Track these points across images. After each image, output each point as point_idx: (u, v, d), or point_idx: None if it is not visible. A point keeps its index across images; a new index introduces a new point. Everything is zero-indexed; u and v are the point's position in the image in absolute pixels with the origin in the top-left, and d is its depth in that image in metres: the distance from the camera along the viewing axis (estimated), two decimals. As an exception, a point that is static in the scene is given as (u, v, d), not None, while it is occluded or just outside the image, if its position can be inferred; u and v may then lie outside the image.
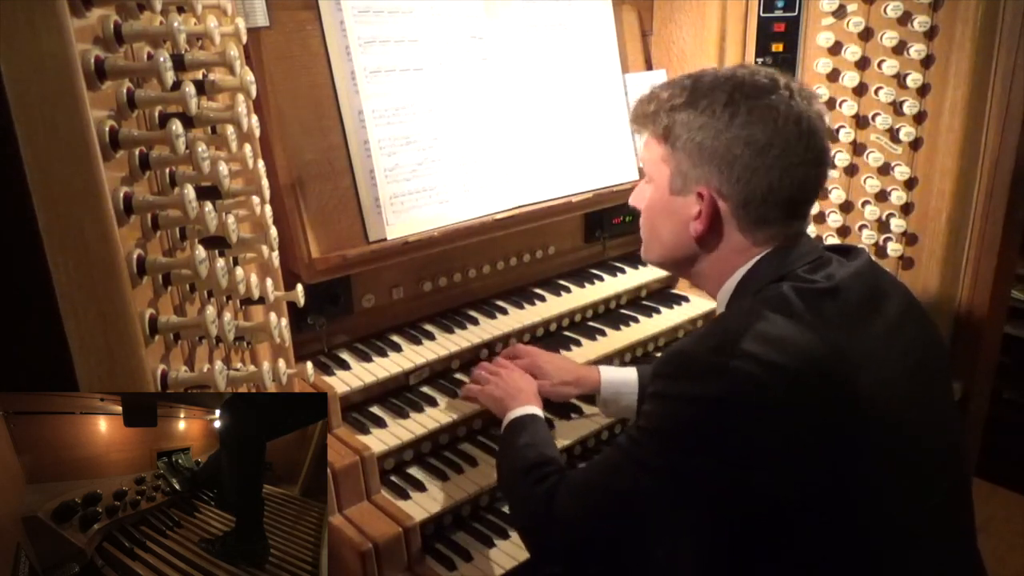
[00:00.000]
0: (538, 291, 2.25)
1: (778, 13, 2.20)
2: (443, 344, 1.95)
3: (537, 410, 1.70)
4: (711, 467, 1.18)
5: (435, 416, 1.82)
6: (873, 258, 1.39)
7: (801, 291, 1.23)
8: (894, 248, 2.21)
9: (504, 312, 2.12)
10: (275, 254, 1.38)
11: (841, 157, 2.24)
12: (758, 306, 1.24)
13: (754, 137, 1.25)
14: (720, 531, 1.27)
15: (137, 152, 0.99)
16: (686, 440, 1.20)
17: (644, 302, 2.38)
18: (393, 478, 1.76)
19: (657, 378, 1.27)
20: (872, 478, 1.18)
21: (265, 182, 1.34)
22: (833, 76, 2.20)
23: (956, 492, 1.32)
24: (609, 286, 2.32)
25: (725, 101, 1.27)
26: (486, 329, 2.03)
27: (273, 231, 1.36)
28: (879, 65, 2.13)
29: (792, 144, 1.25)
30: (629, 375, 1.85)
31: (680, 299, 2.40)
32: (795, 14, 2.19)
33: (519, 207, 2.06)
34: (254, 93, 1.22)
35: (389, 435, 1.74)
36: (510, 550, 1.68)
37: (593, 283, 2.32)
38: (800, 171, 1.27)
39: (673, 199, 1.36)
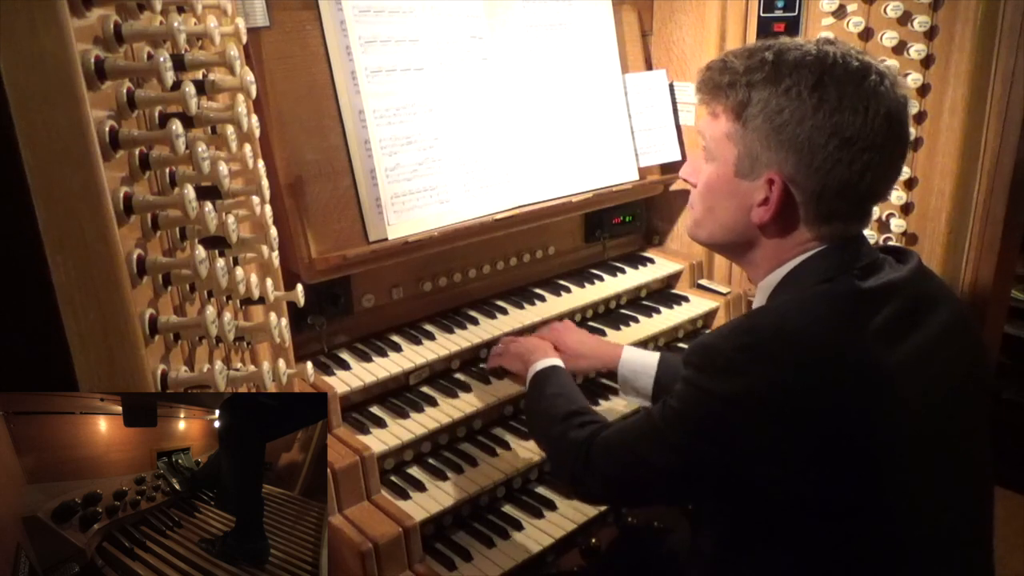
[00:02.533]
0: (538, 291, 2.25)
1: (778, 13, 2.20)
2: (443, 344, 1.95)
3: (558, 362, 1.78)
4: (722, 458, 1.19)
5: (435, 416, 1.82)
6: (923, 263, 1.34)
7: (844, 295, 1.20)
8: (894, 248, 2.21)
9: (504, 312, 2.12)
10: (275, 254, 1.38)
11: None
12: (797, 307, 1.22)
13: (841, 127, 1.17)
14: (733, 511, 1.28)
15: (137, 152, 0.99)
16: (702, 430, 1.21)
17: (644, 302, 2.38)
18: (393, 478, 1.76)
19: (686, 364, 1.26)
20: (893, 485, 1.17)
21: (265, 182, 1.34)
22: (833, 76, 2.20)
23: (979, 503, 1.31)
24: (609, 286, 2.32)
25: (813, 83, 1.18)
26: (486, 329, 2.03)
27: (273, 231, 1.36)
28: (879, 65, 2.13)
29: (879, 139, 1.18)
30: (650, 359, 1.86)
31: (680, 299, 2.40)
32: (795, 14, 2.19)
33: (519, 207, 2.06)
34: (254, 93, 1.22)
35: (389, 435, 1.74)
36: (510, 550, 1.68)
37: (593, 283, 2.32)
38: (881, 168, 1.21)
39: (738, 182, 1.27)
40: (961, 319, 1.32)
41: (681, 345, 2.30)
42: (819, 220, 1.25)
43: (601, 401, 2.04)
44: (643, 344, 2.21)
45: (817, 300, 1.21)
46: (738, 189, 1.27)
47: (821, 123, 1.18)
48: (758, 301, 1.36)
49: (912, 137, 2.13)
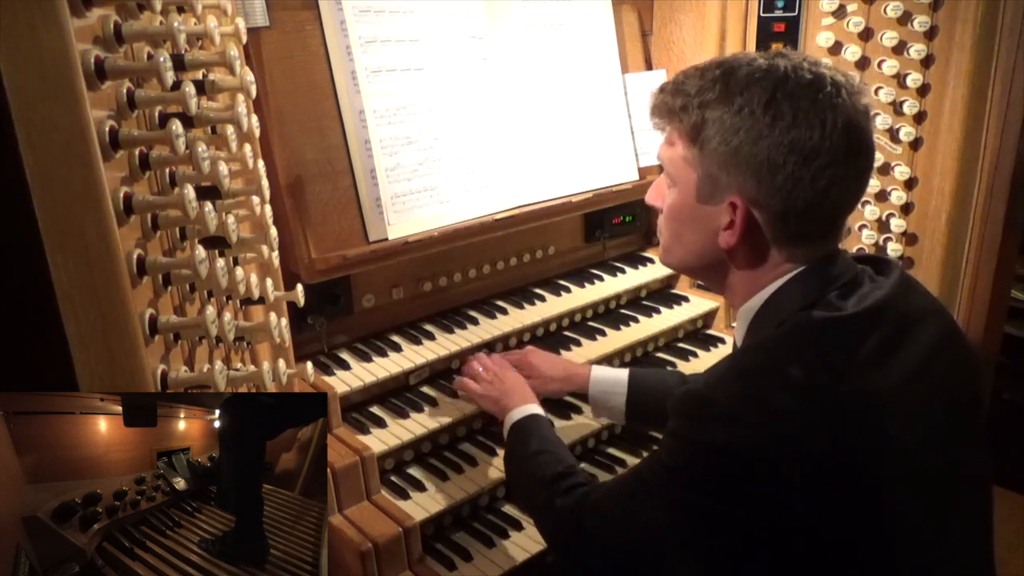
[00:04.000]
0: (538, 291, 2.25)
1: (778, 13, 2.20)
2: (443, 344, 1.95)
3: (537, 408, 1.70)
4: (721, 510, 1.14)
5: (435, 416, 1.82)
6: (906, 273, 1.31)
7: (828, 324, 1.16)
8: (894, 248, 2.21)
9: (504, 312, 2.12)
10: (275, 254, 1.38)
11: (841, 157, 2.23)
12: (782, 344, 1.18)
13: (799, 143, 1.12)
14: (734, 563, 1.22)
15: (137, 152, 0.99)
16: (698, 482, 1.16)
17: (644, 302, 2.38)
18: (393, 478, 1.76)
19: (675, 415, 1.20)
20: (892, 512, 1.15)
21: (265, 182, 1.34)
22: (833, 76, 2.20)
23: (979, 517, 1.29)
24: (609, 286, 2.32)
25: (766, 100, 1.13)
26: (486, 329, 2.03)
27: (273, 231, 1.36)
28: (879, 65, 2.13)
29: (840, 153, 1.13)
30: (620, 376, 1.82)
31: (680, 299, 2.40)
32: (795, 14, 2.19)
33: (519, 207, 2.06)
34: (254, 93, 1.22)
35: (389, 435, 1.74)
36: (510, 550, 1.68)
37: (593, 283, 2.32)
38: (846, 181, 1.16)
39: (700, 207, 1.23)
40: (949, 331, 1.29)
41: (681, 345, 2.30)
42: (788, 242, 1.21)
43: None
44: (643, 344, 2.22)
45: (803, 334, 1.18)
46: (702, 214, 1.23)
47: (777, 141, 1.13)
48: (739, 329, 1.33)
49: (912, 137, 2.13)
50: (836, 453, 1.11)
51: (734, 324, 1.37)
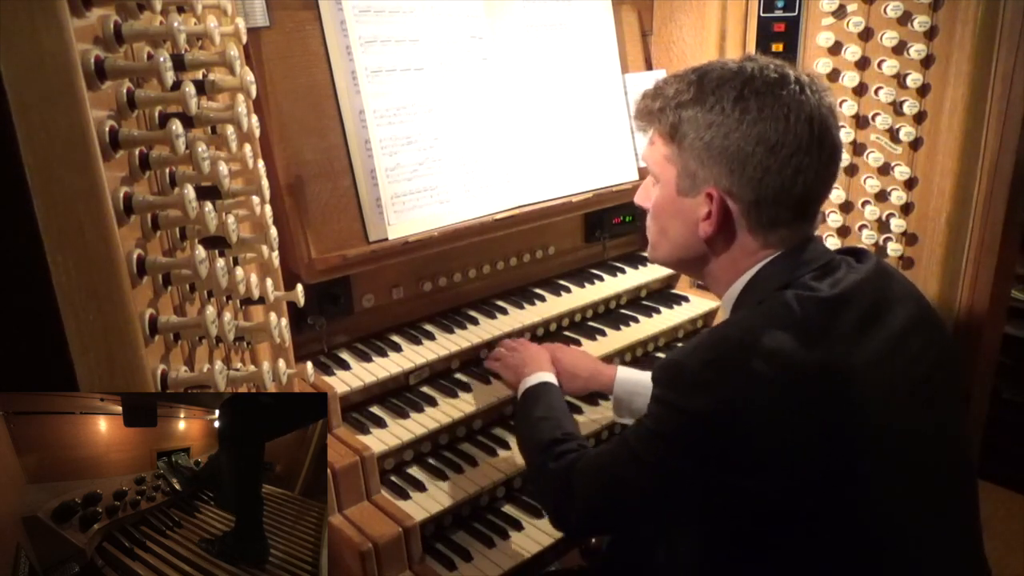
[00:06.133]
0: (538, 291, 2.25)
1: (778, 13, 2.20)
2: (443, 344, 1.95)
3: (550, 377, 1.76)
4: (700, 472, 1.20)
5: (435, 416, 1.82)
6: (885, 262, 1.36)
7: (803, 300, 1.22)
8: (894, 248, 2.21)
9: (504, 312, 2.12)
10: (275, 254, 1.38)
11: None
12: (758, 317, 1.23)
13: (765, 135, 1.23)
14: (715, 525, 1.29)
15: (137, 152, 0.99)
16: (677, 446, 1.22)
17: (644, 302, 2.38)
18: (393, 478, 1.76)
19: (655, 382, 1.28)
20: (869, 485, 1.18)
21: (265, 182, 1.34)
22: (833, 76, 2.20)
23: (961, 497, 1.32)
24: (609, 286, 2.32)
25: (735, 97, 1.24)
26: (486, 329, 2.03)
27: (273, 231, 1.36)
28: (879, 65, 2.13)
29: (804, 142, 1.23)
30: (644, 378, 1.83)
31: (680, 299, 2.40)
32: (795, 14, 2.19)
33: (519, 207, 2.06)
34: (254, 93, 1.22)
35: (389, 435, 1.75)
36: (510, 550, 1.69)
37: (593, 283, 2.32)
38: (812, 170, 1.25)
39: (681, 200, 1.33)
40: (924, 314, 1.34)
41: (682, 345, 2.30)
42: (763, 228, 1.29)
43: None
44: (643, 344, 2.22)
45: (777, 308, 1.23)
46: (682, 207, 1.33)
47: (745, 133, 1.23)
48: (722, 315, 1.39)
49: (912, 137, 2.13)
50: (808, 423, 1.15)
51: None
